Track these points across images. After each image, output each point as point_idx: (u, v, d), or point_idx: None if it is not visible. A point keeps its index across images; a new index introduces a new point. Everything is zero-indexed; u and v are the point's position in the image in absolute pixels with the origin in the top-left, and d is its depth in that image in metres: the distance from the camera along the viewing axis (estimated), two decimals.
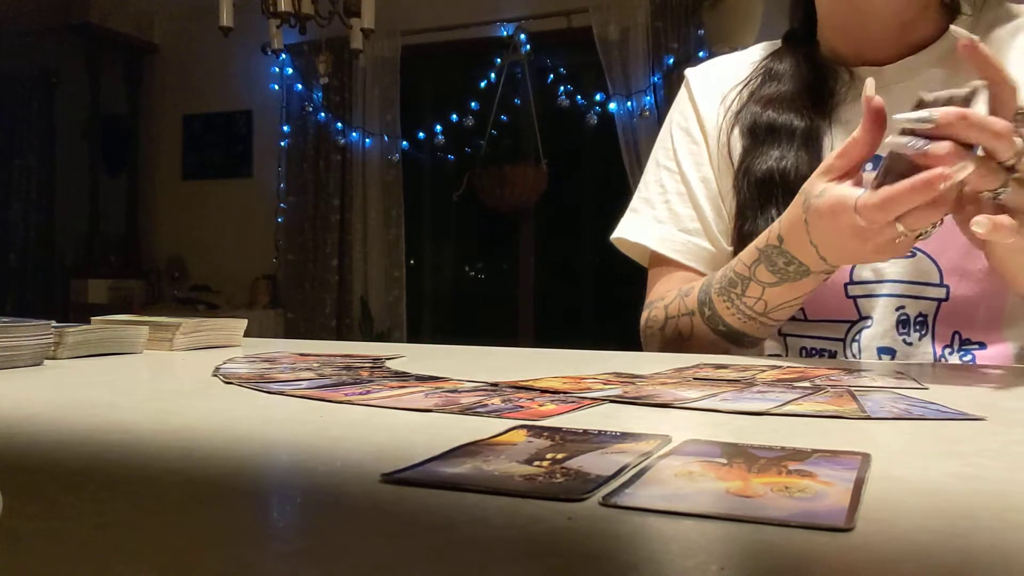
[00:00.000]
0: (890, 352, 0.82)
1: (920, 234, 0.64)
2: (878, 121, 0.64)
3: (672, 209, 0.95)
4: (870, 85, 0.65)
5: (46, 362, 0.68)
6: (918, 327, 0.82)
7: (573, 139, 4.24)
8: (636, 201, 0.99)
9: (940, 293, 0.81)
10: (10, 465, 0.33)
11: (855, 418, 0.43)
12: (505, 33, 4.13)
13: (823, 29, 0.92)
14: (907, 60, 0.86)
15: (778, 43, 0.98)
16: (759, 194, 0.86)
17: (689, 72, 1.01)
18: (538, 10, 4.07)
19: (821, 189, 0.68)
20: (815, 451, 0.33)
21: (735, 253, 0.84)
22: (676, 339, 0.88)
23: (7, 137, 5.17)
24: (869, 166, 0.69)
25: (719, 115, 0.95)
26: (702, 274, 0.92)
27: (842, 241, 0.68)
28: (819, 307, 0.85)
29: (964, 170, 0.57)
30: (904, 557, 0.22)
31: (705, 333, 0.84)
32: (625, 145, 3.89)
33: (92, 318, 0.80)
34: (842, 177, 0.67)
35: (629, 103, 3.88)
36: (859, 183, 0.66)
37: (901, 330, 0.82)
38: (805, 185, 0.71)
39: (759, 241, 0.78)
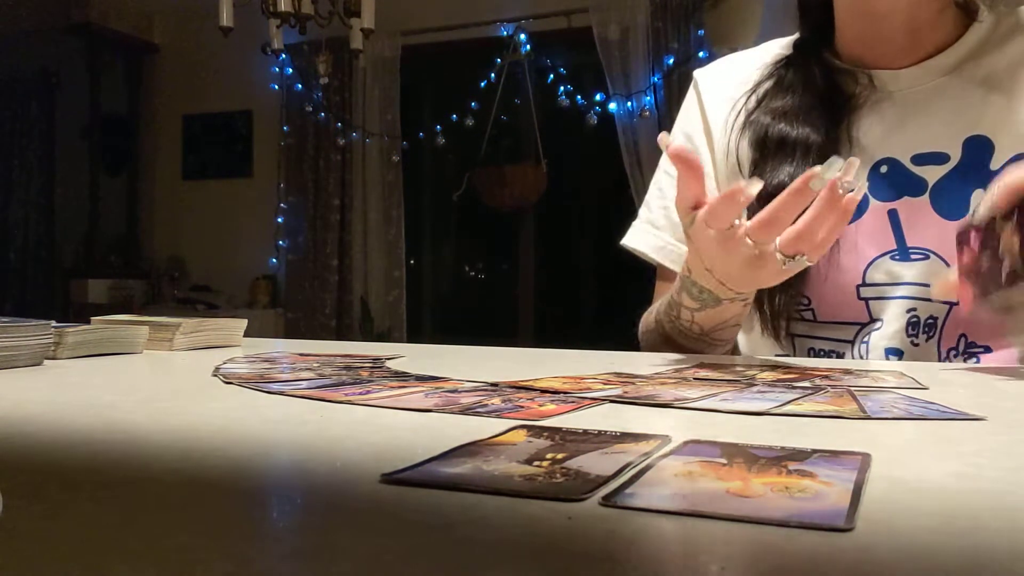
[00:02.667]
0: (898, 353, 0.82)
1: (792, 258, 0.64)
2: (685, 165, 0.65)
3: (669, 217, 0.94)
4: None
5: (46, 362, 0.68)
6: (927, 329, 0.81)
7: (573, 139, 4.23)
8: (642, 206, 0.99)
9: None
10: (10, 465, 0.33)
11: (855, 418, 0.43)
12: (505, 33, 4.13)
13: (841, 34, 0.90)
14: (924, 64, 0.85)
15: (791, 40, 0.95)
16: None
17: (698, 73, 0.99)
18: (538, 10, 4.07)
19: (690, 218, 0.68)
20: (815, 451, 0.33)
21: None
22: (657, 349, 0.87)
23: (7, 137, 5.17)
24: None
25: (728, 120, 0.93)
26: None
27: (713, 257, 0.68)
28: (830, 309, 0.84)
29: (832, 167, 0.59)
30: (904, 557, 0.22)
31: (676, 346, 0.84)
32: (625, 145, 3.89)
33: (92, 318, 0.80)
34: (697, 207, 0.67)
35: (629, 103, 3.88)
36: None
37: (910, 332, 0.82)
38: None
39: (682, 267, 0.77)
